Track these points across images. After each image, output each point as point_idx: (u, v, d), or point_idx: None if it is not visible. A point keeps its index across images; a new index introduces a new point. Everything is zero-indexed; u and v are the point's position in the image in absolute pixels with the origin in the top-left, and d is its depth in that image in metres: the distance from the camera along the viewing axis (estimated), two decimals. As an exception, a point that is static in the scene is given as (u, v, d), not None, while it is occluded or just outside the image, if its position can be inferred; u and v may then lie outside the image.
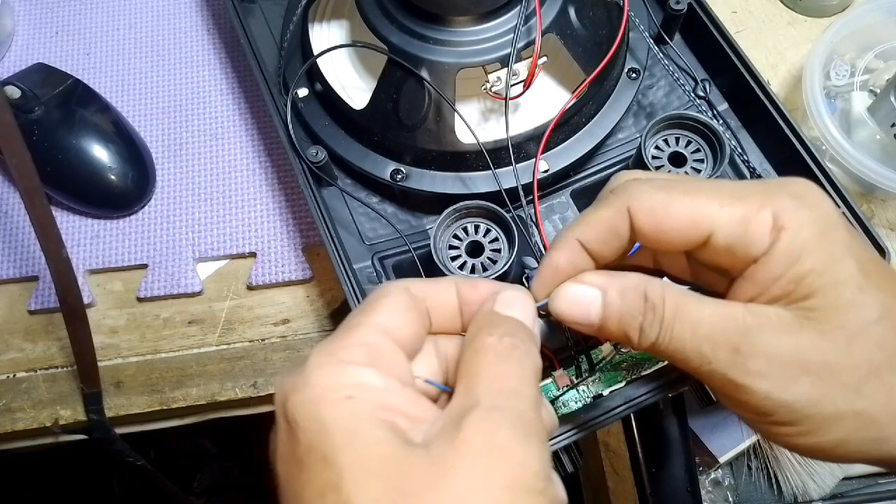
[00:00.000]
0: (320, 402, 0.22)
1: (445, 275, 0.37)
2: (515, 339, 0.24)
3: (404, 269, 0.43)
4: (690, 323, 0.25)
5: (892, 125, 0.48)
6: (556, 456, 0.36)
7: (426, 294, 0.26)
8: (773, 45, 0.57)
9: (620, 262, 0.29)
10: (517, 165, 0.40)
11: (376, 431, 0.21)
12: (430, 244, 0.38)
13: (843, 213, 0.40)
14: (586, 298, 0.27)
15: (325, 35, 0.47)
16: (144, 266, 0.51)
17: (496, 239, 0.39)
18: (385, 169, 0.43)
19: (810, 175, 0.42)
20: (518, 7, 0.40)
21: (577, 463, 0.37)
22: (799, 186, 0.26)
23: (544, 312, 0.28)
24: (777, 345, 0.24)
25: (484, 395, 0.22)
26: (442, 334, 0.27)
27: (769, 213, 0.25)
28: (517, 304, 0.26)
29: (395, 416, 0.22)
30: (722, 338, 0.25)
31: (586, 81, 0.41)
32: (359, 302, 0.39)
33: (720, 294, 0.27)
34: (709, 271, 0.28)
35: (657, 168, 0.40)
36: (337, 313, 0.49)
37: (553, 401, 0.38)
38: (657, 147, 0.41)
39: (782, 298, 0.25)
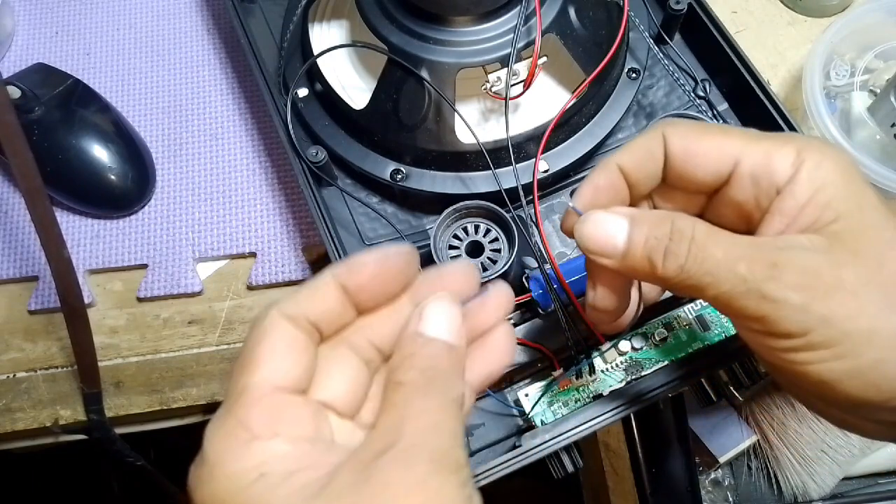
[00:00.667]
0: (230, 494, 0.21)
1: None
2: (437, 370, 0.23)
3: (404, 269, 0.43)
4: (723, 243, 0.25)
5: (892, 125, 0.48)
6: (556, 456, 0.36)
7: (305, 310, 0.24)
8: (773, 45, 0.57)
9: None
10: (517, 165, 0.40)
11: (292, 500, 0.21)
12: (430, 244, 0.38)
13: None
14: (613, 225, 0.27)
15: (325, 35, 0.47)
16: (144, 266, 0.51)
17: (496, 239, 0.39)
18: (385, 169, 0.43)
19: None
20: (518, 7, 0.40)
21: (576, 463, 0.37)
22: (819, 141, 0.27)
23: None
24: (813, 261, 0.24)
25: (404, 433, 0.22)
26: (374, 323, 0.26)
27: (793, 148, 0.26)
28: (442, 318, 0.25)
29: (307, 474, 0.21)
30: (758, 255, 0.25)
31: (586, 81, 0.41)
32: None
33: None
34: (735, 222, 0.28)
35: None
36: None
37: (553, 401, 0.38)
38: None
39: (810, 227, 0.25)
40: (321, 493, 0.21)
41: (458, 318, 0.25)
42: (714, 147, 0.27)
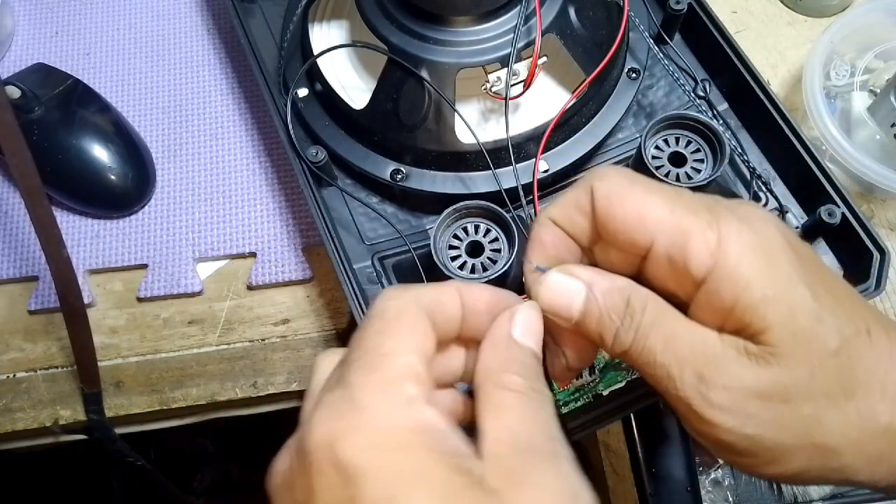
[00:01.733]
0: (389, 449, 0.21)
1: (446, 275, 0.37)
2: (534, 382, 0.25)
3: (404, 269, 0.43)
4: (664, 336, 0.25)
5: (892, 125, 0.48)
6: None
7: (434, 305, 0.25)
8: (773, 45, 0.57)
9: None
10: (517, 165, 0.40)
11: (451, 475, 0.21)
12: (430, 244, 0.38)
13: (843, 213, 0.40)
14: (570, 290, 0.26)
15: (325, 35, 0.47)
16: (144, 266, 0.51)
17: (496, 239, 0.39)
18: (385, 169, 0.43)
19: (810, 175, 0.42)
20: (518, 7, 0.40)
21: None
22: (746, 211, 0.25)
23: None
24: (739, 377, 0.24)
25: (538, 438, 0.23)
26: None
27: (714, 234, 0.24)
28: (533, 330, 0.26)
29: (461, 448, 0.22)
30: (690, 359, 0.24)
31: (586, 81, 0.41)
32: (358, 302, 0.39)
33: None
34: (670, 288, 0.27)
35: (657, 168, 0.40)
36: (345, 334, 0.49)
37: (552, 401, 0.38)
38: (657, 147, 0.41)
39: (741, 331, 0.24)
40: (479, 486, 0.21)
41: (542, 330, 0.27)
42: (634, 211, 0.25)
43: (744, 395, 0.24)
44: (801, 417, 0.24)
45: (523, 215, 0.40)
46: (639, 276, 0.27)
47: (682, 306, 0.26)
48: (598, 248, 0.28)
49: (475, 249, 0.39)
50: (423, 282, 0.39)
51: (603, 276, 0.27)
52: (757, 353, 0.24)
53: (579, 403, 0.38)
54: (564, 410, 0.38)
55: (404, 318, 0.24)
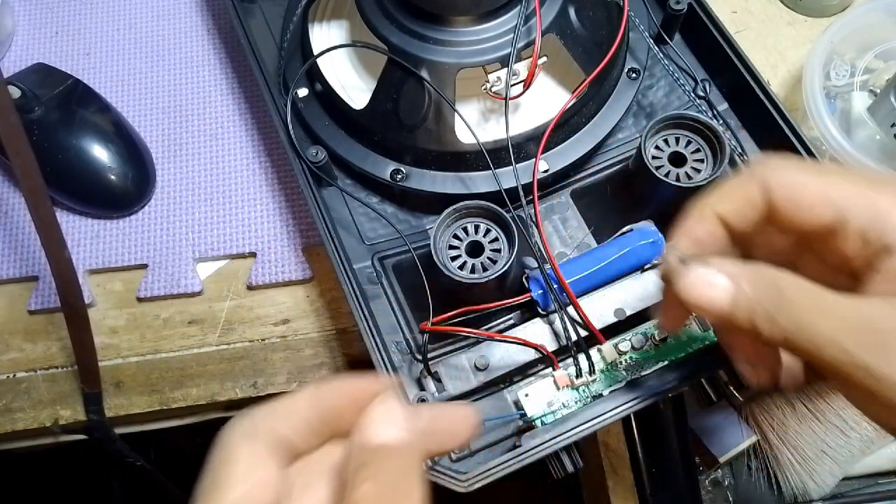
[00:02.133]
0: None
1: (446, 275, 0.37)
2: (382, 483, 0.22)
3: (404, 270, 0.43)
4: (829, 315, 0.24)
5: (892, 125, 0.48)
6: (555, 456, 0.36)
7: (272, 428, 0.24)
8: (773, 45, 0.57)
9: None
10: (517, 165, 0.40)
11: None
12: (430, 244, 0.38)
13: None
14: (717, 284, 0.25)
15: (325, 35, 0.47)
16: (144, 266, 0.51)
17: (496, 239, 0.39)
18: (385, 169, 0.43)
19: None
20: (518, 7, 0.40)
21: (576, 463, 0.37)
22: None
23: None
24: None
25: None
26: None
27: None
28: (386, 422, 0.24)
29: None
30: (863, 331, 0.24)
31: (586, 81, 0.41)
32: (359, 302, 0.39)
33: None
34: (834, 272, 0.27)
35: (657, 168, 0.40)
36: (345, 334, 0.49)
37: (553, 401, 0.38)
38: (657, 147, 0.41)
39: None
40: None
41: (400, 413, 0.24)
42: (821, 196, 0.26)
43: None
44: None
45: (523, 215, 0.40)
46: (802, 254, 0.28)
47: (843, 281, 0.26)
48: (759, 236, 0.28)
49: (475, 249, 0.39)
50: (423, 282, 0.38)
51: (746, 265, 0.26)
52: None
53: (579, 404, 0.38)
54: (565, 411, 0.38)
55: (223, 472, 0.23)
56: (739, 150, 0.43)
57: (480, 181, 0.42)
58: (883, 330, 0.24)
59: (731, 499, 0.50)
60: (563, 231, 0.44)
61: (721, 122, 0.45)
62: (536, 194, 0.40)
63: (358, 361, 0.49)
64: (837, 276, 0.27)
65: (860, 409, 0.26)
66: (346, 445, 0.25)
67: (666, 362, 0.39)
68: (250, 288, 0.50)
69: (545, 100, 0.43)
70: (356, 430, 0.24)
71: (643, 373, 0.38)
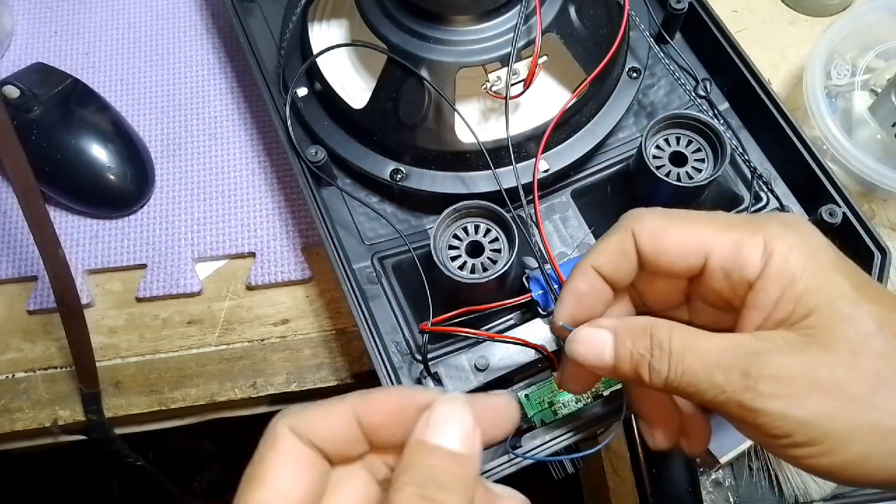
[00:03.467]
0: None
1: (446, 275, 0.37)
2: (430, 489, 0.22)
3: (404, 270, 0.42)
4: (699, 354, 0.26)
5: (893, 125, 0.48)
6: (555, 456, 0.36)
7: (312, 428, 0.24)
8: (773, 45, 0.57)
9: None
10: (517, 165, 0.40)
11: None
12: (430, 244, 0.38)
13: (844, 213, 0.40)
14: (599, 340, 0.28)
15: (325, 34, 0.47)
16: (143, 266, 0.51)
17: (496, 239, 0.39)
18: (385, 169, 0.43)
19: (811, 174, 0.42)
20: (518, 6, 0.40)
21: (576, 463, 0.37)
22: (786, 217, 0.28)
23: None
24: (785, 364, 0.25)
25: None
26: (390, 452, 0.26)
27: (760, 238, 0.26)
28: (451, 424, 0.24)
29: None
30: (732, 363, 0.25)
31: (587, 81, 0.41)
32: (358, 302, 0.39)
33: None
34: (715, 311, 0.29)
35: (658, 168, 0.40)
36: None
37: (553, 401, 0.38)
38: (658, 147, 0.41)
39: (784, 321, 0.26)
40: None
41: (470, 423, 0.24)
42: (681, 241, 0.27)
43: (792, 380, 0.24)
44: (852, 397, 0.24)
45: (523, 215, 0.40)
46: (687, 299, 0.30)
47: (729, 321, 0.28)
48: (641, 283, 0.30)
49: (475, 249, 0.39)
50: (423, 282, 0.38)
51: (623, 319, 0.28)
52: (798, 339, 0.25)
53: (579, 404, 0.38)
54: (565, 411, 0.38)
55: (269, 457, 0.24)
56: (740, 150, 0.43)
57: (480, 181, 0.42)
58: (747, 364, 0.25)
59: (732, 500, 0.50)
60: (563, 231, 0.44)
61: (722, 121, 0.45)
62: (536, 194, 0.40)
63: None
64: (723, 316, 0.29)
65: (754, 441, 0.28)
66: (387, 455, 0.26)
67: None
68: (249, 288, 0.50)
69: (545, 99, 0.43)
70: (418, 425, 0.24)
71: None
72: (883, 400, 0.24)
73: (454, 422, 0.24)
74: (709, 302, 0.29)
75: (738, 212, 0.43)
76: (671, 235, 0.27)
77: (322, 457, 0.24)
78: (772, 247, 0.26)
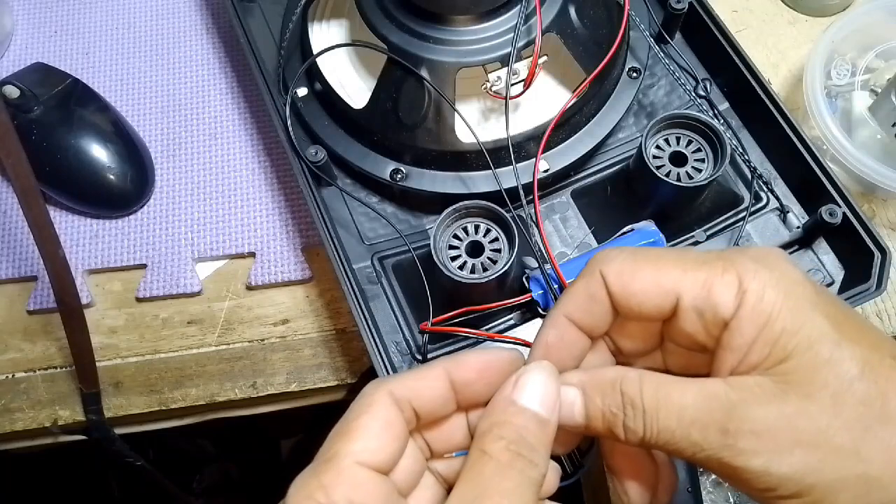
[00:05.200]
0: None
1: (446, 275, 0.37)
2: (525, 444, 0.24)
3: (404, 270, 0.42)
4: (674, 411, 0.24)
5: (893, 125, 0.48)
6: (555, 456, 0.36)
7: (414, 393, 0.25)
8: (773, 45, 0.57)
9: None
10: (517, 165, 0.40)
11: None
12: (430, 244, 0.38)
13: (844, 213, 0.40)
14: (568, 399, 0.26)
15: (325, 34, 0.47)
16: (143, 266, 0.51)
17: (496, 239, 0.39)
18: (385, 169, 0.43)
19: (811, 174, 0.42)
20: (518, 6, 0.40)
21: (577, 463, 0.37)
22: (758, 251, 0.26)
23: None
24: (764, 417, 0.23)
25: None
26: (433, 425, 0.27)
27: (733, 276, 0.25)
28: (540, 392, 0.25)
29: None
30: (708, 420, 0.24)
31: (587, 81, 0.41)
32: (358, 302, 0.39)
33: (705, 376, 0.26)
34: (689, 354, 0.28)
35: (658, 168, 0.40)
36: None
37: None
38: (658, 147, 0.41)
39: (760, 365, 0.24)
40: None
41: (555, 392, 0.25)
42: (651, 282, 0.26)
43: (772, 435, 0.23)
44: (836, 448, 0.23)
45: (523, 215, 0.40)
46: (663, 342, 0.28)
47: (704, 363, 0.26)
48: (615, 329, 0.28)
49: (475, 249, 0.39)
50: (423, 282, 0.38)
51: (591, 373, 0.27)
52: (776, 388, 0.24)
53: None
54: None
55: (363, 416, 0.24)
56: (740, 150, 0.43)
57: (480, 181, 0.42)
58: (725, 419, 0.24)
59: (732, 500, 0.50)
60: (563, 231, 0.44)
61: (722, 121, 0.45)
62: (537, 194, 0.40)
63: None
64: (697, 358, 0.27)
65: (740, 491, 0.27)
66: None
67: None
68: (249, 288, 0.50)
69: (545, 99, 0.43)
70: (507, 385, 0.25)
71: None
72: (869, 450, 0.23)
73: (542, 388, 0.25)
74: (682, 344, 0.27)
75: (738, 211, 0.43)
76: (639, 277, 0.26)
77: (410, 422, 0.26)
78: (745, 285, 0.24)
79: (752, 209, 0.42)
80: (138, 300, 0.50)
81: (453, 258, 0.39)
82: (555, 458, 0.36)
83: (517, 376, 0.25)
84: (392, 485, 0.25)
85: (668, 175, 0.40)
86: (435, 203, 0.43)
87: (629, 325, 0.28)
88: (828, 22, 0.57)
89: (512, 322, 0.41)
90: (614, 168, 0.45)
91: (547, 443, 0.25)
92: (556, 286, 0.38)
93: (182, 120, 0.55)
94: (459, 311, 0.38)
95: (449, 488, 0.26)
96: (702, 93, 0.46)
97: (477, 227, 0.39)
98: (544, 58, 0.40)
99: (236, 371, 0.49)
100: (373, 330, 0.38)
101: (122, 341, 0.49)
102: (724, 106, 0.46)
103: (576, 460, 0.37)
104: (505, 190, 0.40)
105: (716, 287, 0.25)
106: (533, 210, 0.40)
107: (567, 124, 0.43)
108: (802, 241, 0.42)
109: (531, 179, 0.40)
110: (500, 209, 0.38)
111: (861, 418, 0.23)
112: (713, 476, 0.50)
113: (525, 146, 0.42)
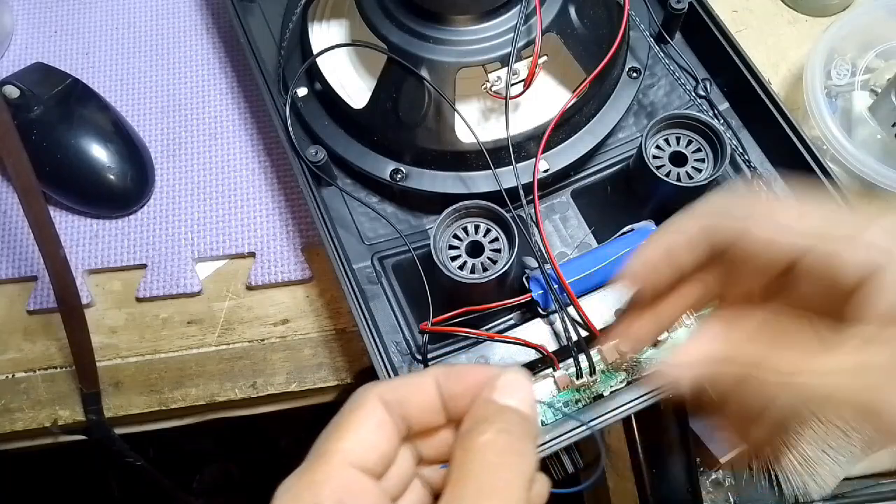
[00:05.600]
0: None
1: (446, 275, 0.37)
2: (511, 436, 0.24)
3: (404, 270, 0.42)
4: (821, 374, 0.24)
5: (893, 125, 0.48)
6: (556, 456, 0.36)
7: (403, 398, 0.25)
8: (773, 45, 0.57)
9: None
10: (517, 165, 0.40)
11: None
12: (430, 244, 0.38)
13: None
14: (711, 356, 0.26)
15: (325, 34, 0.47)
16: (143, 266, 0.51)
17: (496, 239, 0.39)
18: (385, 168, 0.43)
19: (811, 174, 0.42)
20: (518, 6, 0.40)
21: (577, 463, 0.37)
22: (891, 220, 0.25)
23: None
24: None
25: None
26: (424, 436, 0.27)
27: (872, 233, 0.24)
28: (517, 390, 0.25)
29: None
30: (860, 381, 0.23)
31: (587, 81, 0.41)
32: (358, 302, 0.39)
33: None
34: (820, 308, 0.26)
35: (658, 168, 0.40)
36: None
37: (553, 402, 0.38)
38: (658, 146, 0.41)
39: None
40: None
41: (531, 392, 0.25)
42: (773, 227, 0.25)
43: None
44: None
45: (523, 215, 0.40)
46: (762, 299, 0.28)
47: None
48: (713, 276, 0.28)
49: (475, 249, 0.39)
50: (423, 282, 0.38)
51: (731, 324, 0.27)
52: None
53: (580, 404, 0.38)
54: (565, 411, 0.38)
55: (352, 417, 0.24)
56: (740, 150, 0.43)
57: (480, 181, 0.42)
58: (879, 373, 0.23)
59: (732, 500, 0.50)
60: (563, 231, 0.44)
61: (722, 121, 0.45)
62: (537, 194, 0.40)
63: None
64: (825, 309, 0.26)
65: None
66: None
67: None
68: (249, 288, 0.50)
69: (545, 99, 0.43)
70: (485, 389, 0.25)
71: (644, 373, 0.38)
72: None
73: (520, 388, 0.25)
74: (796, 306, 0.26)
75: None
76: (770, 222, 0.25)
77: (401, 429, 0.25)
78: (886, 245, 0.24)
79: (752, 209, 0.42)
80: (138, 300, 0.50)
81: (453, 258, 0.39)
82: (551, 456, 0.36)
83: (494, 380, 0.25)
84: (381, 487, 0.25)
85: (668, 175, 0.40)
86: (435, 203, 0.43)
87: (736, 276, 0.28)
88: (828, 22, 0.57)
89: (512, 322, 0.41)
90: (614, 168, 0.45)
91: (532, 436, 0.25)
92: (556, 286, 0.38)
93: (182, 120, 0.55)
94: (459, 311, 0.38)
95: (436, 494, 0.26)
96: (702, 93, 0.46)
97: (477, 227, 0.39)
98: (544, 58, 0.40)
99: (236, 371, 0.49)
100: (373, 330, 0.38)
101: (122, 341, 0.49)
102: (724, 106, 0.46)
103: (575, 461, 0.37)
104: (505, 190, 0.40)
105: (852, 244, 0.24)
106: (533, 210, 0.40)
107: (567, 124, 0.43)
108: (802, 241, 0.42)
109: (531, 179, 0.40)
110: (500, 209, 0.38)
111: None
112: (713, 476, 0.50)
113: (525, 146, 0.42)
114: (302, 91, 0.45)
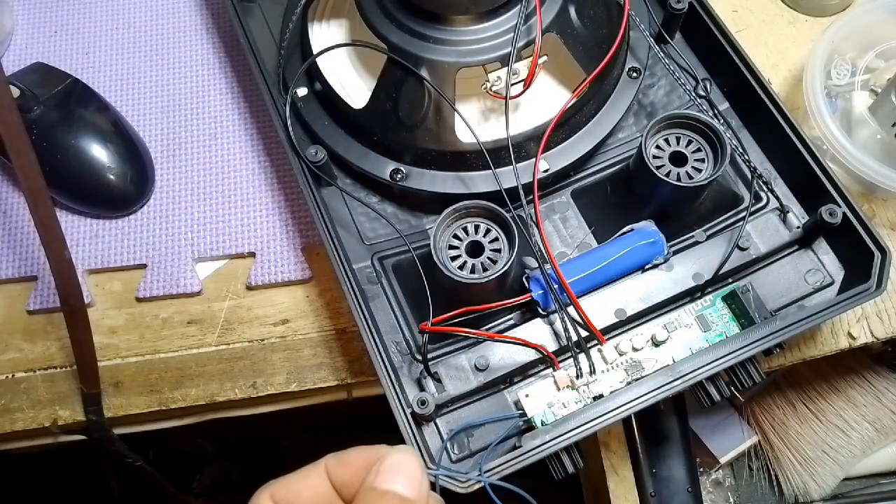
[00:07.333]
0: None
1: (446, 275, 0.37)
2: None
3: (404, 270, 0.42)
4: None
5: (893, 125, 0.48)
6: (556, 457, 0.36)
7: (295, 494, 0.25)
8: (773, 45, 0.57)
9: None
10: (517, 165, 0.40)
11: None
12: (430, 244, 0.38)
13: (844, 213, 0.40)
14: None
15: (325, 34, 0.47)
16: (143, 266, 0.51)
17: (496, 239, 0.39)
18: (385, 168, 0.43)
19: (811, 174, 0.41)
20: (518, 6, 0.40)
21: (577, 463, 0.37)
22: None
23: None
24: None
25: None
26: None
27: None
28: (399, 473, 0.25)
29: None
30: None
31: (587, 81, 0.41)
32: (358, 302, 0.39)
33: None
34: None
35: (658, 168, 0.40)
36: (344, 334, 0.49)
37: (553, 402, 0.38)
38: (658, 146, 0.41)
39: None
40: None
41: (419, 472, 0.25)
42: None
43: None
44: None
45: (523, 215, 0.40)
46: None
47: None
48: None
49: (475, 249, 0.39)
50: (423, 282, 0.38)
51: None
52: None
53: (579, 404, 0.38)
54: (564, 411, 0.38)
55: None
56: (740, 150, 0.43)
57: (480, 181, 0.42)
58: None
59: (731, 499, 0.50)
60: (563, 231, 0.44)
61: (722, 121, 0.45)
62: (536, 194, 0.40)
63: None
64: None
65: None
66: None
67: (664, 364, 0.38)
68: (249, 288, 0.50)
69: (545, 99, 0.43)
70: (370, 473, 0.25)
71: (643, 373, 0.38)
72: None
73: (403, 470, 0.25)
74: None
75: (738, 211, 0.43)
76: None
77: None
78: None
79: (752, 209, 0.42)
80: (138, 300, 0.50)
81: (453, 258, 0.39)
82: (551, 456, 0.36)
83: (378, 464, 0.25)
84: None
85: (668, 175, 0.40)
86: (435, 203, 0.43)
87: None
88: (828, 22, 0.57)
89: (512, 322, 0.41)
90: (614, 168, 0.45)
91: None
92: (556, 286, 0.38)
93: (182, 120, 0.55)
94: (459, 311, 0.38)
95: None
96: (702, 93, 0.46)
97: (477, 227, 0.39)
98: (544, 58, 0.40)
99: (236, 371, 0.49)
100: (373, 330, 0.38)
101: (122, 341, 0.49)
102: (724, 106, 0.46)
103: (575, 461, 0.37)
104: (505, 190, 0.40)
105: None
106: (533, 210, 0.40)
107: (567, 124, 0.43)
108: (802, 241, 0.42)
109: (531, 179, 0.40)
110: (500, 209, 0.38)
111: None
112: (713, 476, 0.50)
113: (525, 146, 0.42)
114: (302, 91, 0.45)
